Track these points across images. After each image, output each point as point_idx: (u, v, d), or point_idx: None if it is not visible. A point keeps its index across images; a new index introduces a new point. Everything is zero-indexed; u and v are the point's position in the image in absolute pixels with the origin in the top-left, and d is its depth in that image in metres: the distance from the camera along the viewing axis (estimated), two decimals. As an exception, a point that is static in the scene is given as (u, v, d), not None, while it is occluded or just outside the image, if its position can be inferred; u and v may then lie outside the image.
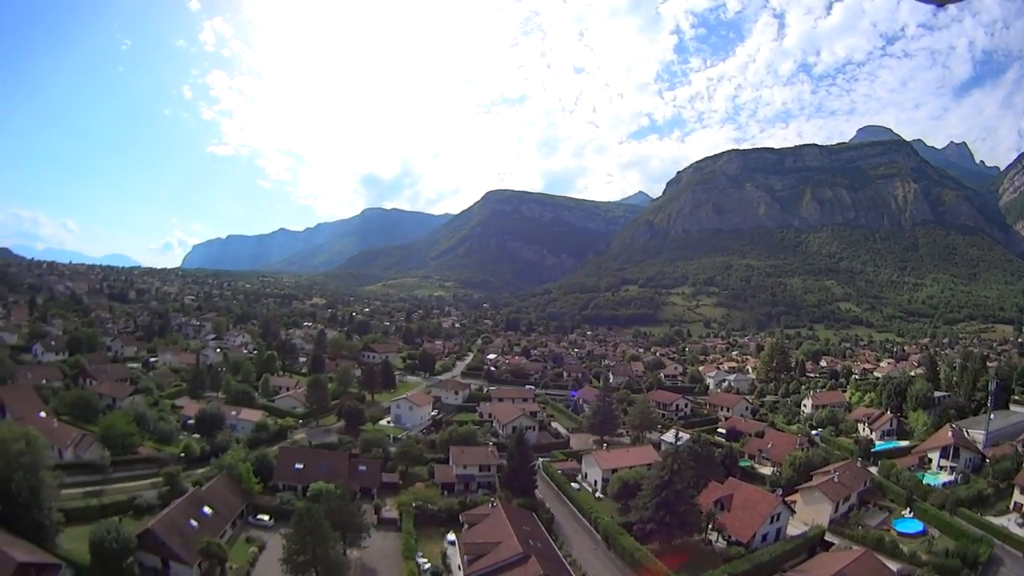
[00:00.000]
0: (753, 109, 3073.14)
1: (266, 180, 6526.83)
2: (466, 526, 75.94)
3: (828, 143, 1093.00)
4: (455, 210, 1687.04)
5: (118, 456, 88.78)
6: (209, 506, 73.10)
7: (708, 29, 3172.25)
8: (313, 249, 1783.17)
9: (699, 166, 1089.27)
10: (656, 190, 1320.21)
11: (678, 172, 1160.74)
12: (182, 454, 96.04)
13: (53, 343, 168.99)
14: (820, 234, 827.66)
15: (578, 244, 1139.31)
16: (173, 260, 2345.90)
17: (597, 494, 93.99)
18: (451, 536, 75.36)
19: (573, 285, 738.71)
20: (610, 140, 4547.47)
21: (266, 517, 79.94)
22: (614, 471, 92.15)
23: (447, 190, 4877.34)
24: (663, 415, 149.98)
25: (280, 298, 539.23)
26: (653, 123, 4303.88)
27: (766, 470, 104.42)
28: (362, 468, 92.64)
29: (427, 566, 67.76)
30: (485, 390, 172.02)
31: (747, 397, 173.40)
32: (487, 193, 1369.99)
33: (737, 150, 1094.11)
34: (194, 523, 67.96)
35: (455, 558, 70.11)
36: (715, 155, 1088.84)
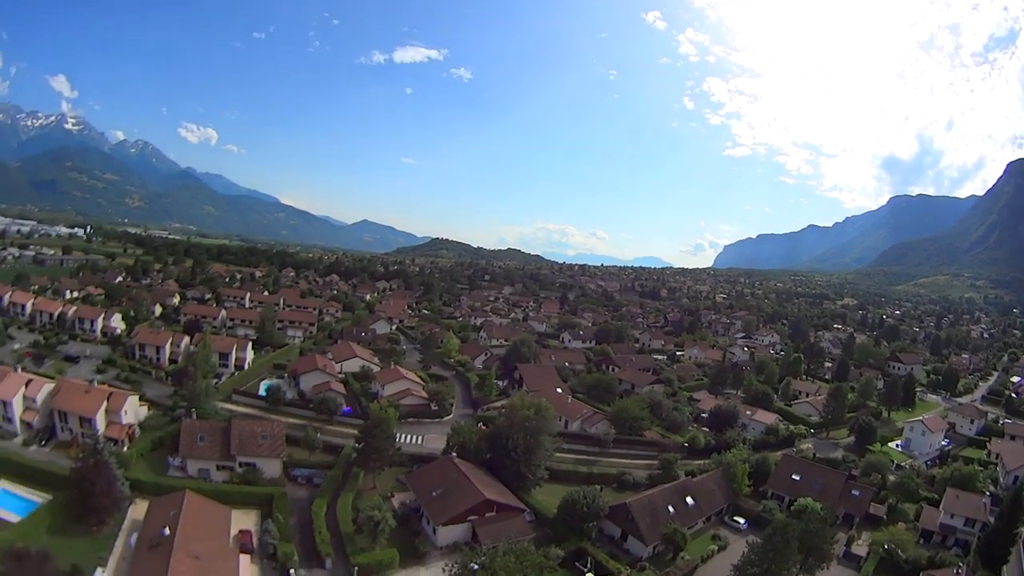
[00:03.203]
0: None
1: (788, 176, 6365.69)
2: (920, 588, 66.47)
3: None
4: (980, 191, 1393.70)
5: (622, 435, 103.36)
6: (692, 497, 78.76)
7: None
8: (843, 245, 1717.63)
9: None
10: None
11: None
12: (686, 444, 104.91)
13: (581, 332, 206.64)
14: None
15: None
16: (704, 261, 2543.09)
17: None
18: None
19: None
20: None
21: (741, 520, 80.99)
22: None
23: (969, 165, 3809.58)
24: None
25: (811, 298, 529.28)
26: None
27: None
28: (855, 492, 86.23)
29: None
30: (1000, 422, 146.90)
31: None
32: (1008, 165, 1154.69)
33: None
34: (671, 509, 74.41)
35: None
36: None
